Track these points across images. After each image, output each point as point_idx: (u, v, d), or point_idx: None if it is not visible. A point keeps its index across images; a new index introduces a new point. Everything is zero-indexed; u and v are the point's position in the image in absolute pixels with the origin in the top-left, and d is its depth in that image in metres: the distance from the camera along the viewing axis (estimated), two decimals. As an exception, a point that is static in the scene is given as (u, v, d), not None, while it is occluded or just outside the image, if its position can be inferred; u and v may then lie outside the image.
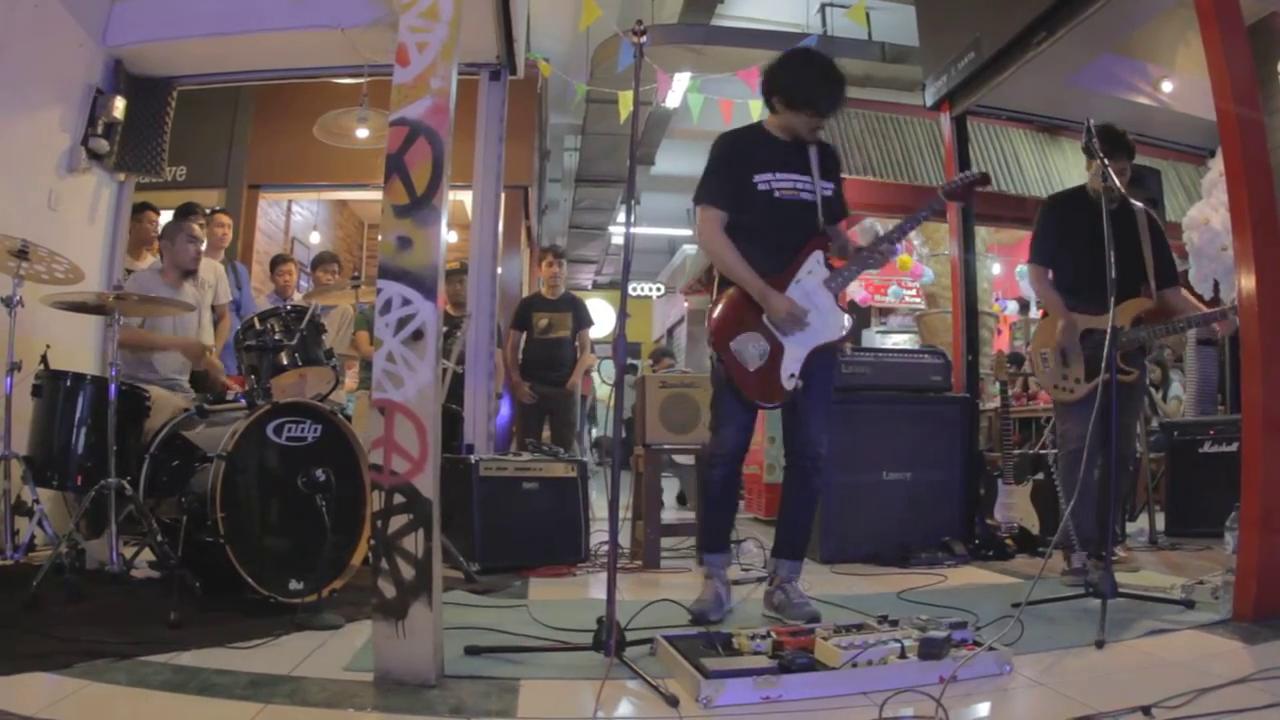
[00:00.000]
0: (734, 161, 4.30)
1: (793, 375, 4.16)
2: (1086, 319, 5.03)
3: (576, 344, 8.62)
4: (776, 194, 4.26)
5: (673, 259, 23.16)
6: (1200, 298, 6.90)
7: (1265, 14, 7.25)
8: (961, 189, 4.36)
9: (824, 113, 4.28)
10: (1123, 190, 4.49)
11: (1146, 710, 2.64)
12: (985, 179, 4.40)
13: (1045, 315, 5.45)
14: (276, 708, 2.81)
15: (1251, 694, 2.87)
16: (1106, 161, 4.47)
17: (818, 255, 4.27)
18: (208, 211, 7.94)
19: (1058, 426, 5.38)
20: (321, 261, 8.75)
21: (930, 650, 3.09)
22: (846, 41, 12.10)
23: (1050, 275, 5.28)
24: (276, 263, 8.72)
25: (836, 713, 2.81)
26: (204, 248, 6.29)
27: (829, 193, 4.39)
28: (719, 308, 4.26)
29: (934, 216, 4.34)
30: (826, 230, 4.36)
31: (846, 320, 4.30)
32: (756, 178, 4.25)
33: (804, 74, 4.26)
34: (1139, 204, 4.53)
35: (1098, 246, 4.88)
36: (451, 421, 6.53)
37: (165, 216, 7.97)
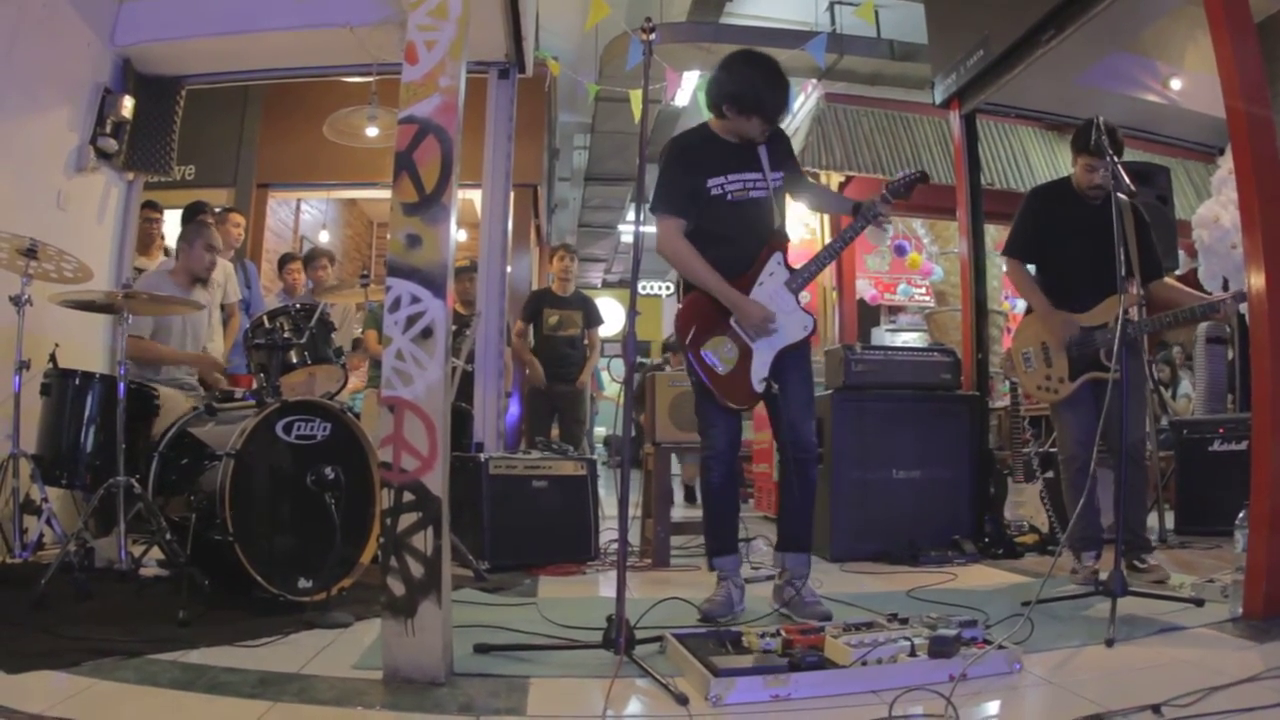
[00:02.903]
0: (685, 168, 4.31)
1: (763, 379, 4.21)
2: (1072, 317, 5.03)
3: (586, 342, 8.63)
4: (730, 197, 4.28)
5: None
6: (1208, 295, 6.87)
7: (1275, 11, 7.21)
8: (904, 186, 4.34)
9: (772, 117, 4.27)
10: (1130, 186, 4.47)
11: (1156, 709, 2.64)
12: (924, 177, 4.38)
13: (1028, 313, 5.43)
14: (285, 706, 2.81)
15: (1261, 693, 2.85)
16: (1097, 157, 4.46)
17: (777, 256, 4.31)
18: (216, 210, 7.95)
19: (1056, 433, 5.36)
20: (311, 259, 8.73)
21: (940, 648, 3.09)
22: (855, 39, 12.09)
23: (1032, 269, 5.28)
24: (284, 261, 8.75)
25: (846, 711, 2.80)
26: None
27: (779, 182, 4.39)
28: (687, 312, 4.31)
29: (879, 219, 4.35)
30: (783, 228, 4.39)
31: (809, 321, 4.32)
32: (709, 182, 4.27)
33: (750, 78, 4.21)
34: (1123, 196, 4.51)
35: (1083, 242, 4.87)
36: (461, 420, 6.53)
37: (170, 215, 8.00)
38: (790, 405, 4.27)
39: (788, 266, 4.32)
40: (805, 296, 4.39)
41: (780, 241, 4.36)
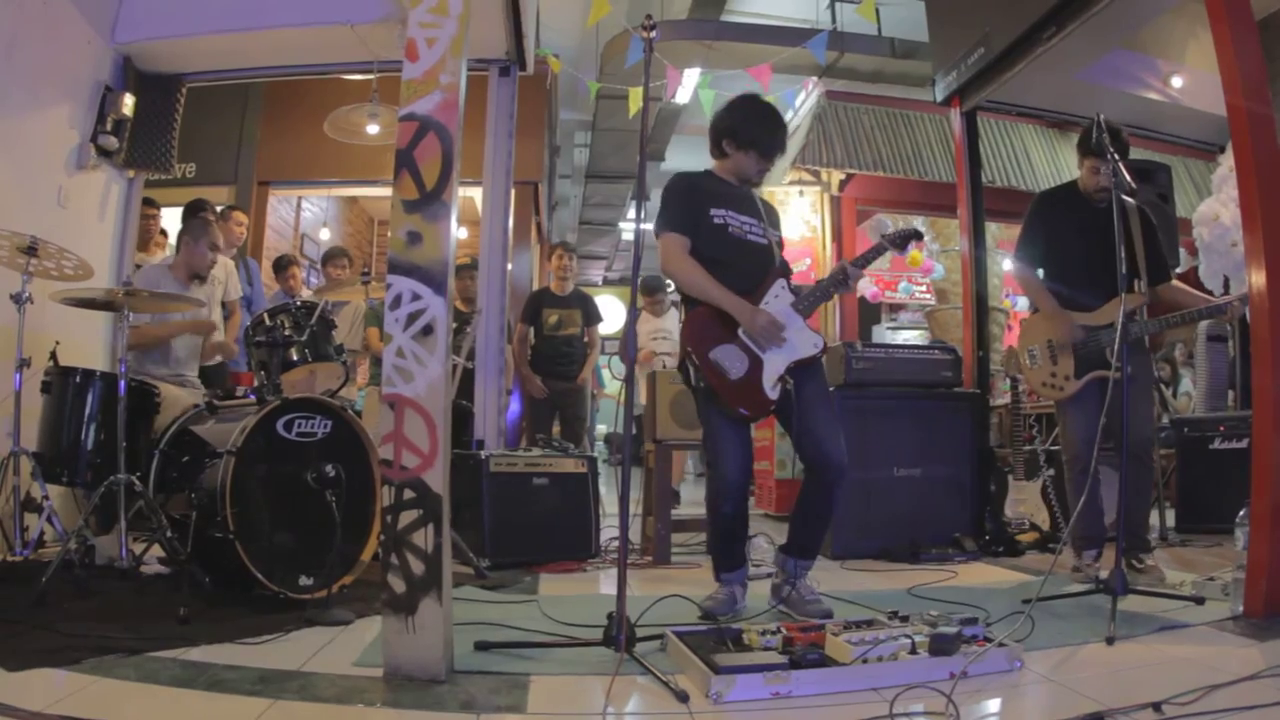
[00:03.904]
0: (690, 195, 4.35)
1: (776, 382, 4.14)
2: (1079, 317, 5.03)
3: (586, 340, 8.63)
4: (731, 229, 4.30)
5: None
6: (1211, 294, 6.87)
7: (1276, 9, 7.21)
8: (901, 240, 4.45)
9: (767, 152, 4.41)
10: (1131, 184, 4.47)
11: (1157, 706, 2.64)
12: (919, 235, 4.58)
13: (1034, 312, 5.43)
14: (286, 703, 2.81)
15: (1262, 690, 2.86)
16: (1101, 158, 4.45)
17: (781, 282, 4.30)
18: (218, 208, 7.95)
19: (1060, 431, 5.36)
20: (331, 257, 8.76)
21: (941, 646, 3.09)
22: (856, 37, 12.06)
23: (1040, 273, 5.28)
24: (284, 265, 8.72)
25: (847, 708, 2.80)
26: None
27: (777, 239, 4.47)
28: (692, 324, 4.25)
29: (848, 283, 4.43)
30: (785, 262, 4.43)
31: (818, 340, 4.30)
32: (713, 211, 4.29)
33: (749, 116, 4.42)
34: (1130, 200, 4.52)
35: (1090, 244, 4.87)
36: (462, 417, 6.53)
37: (169, 212, 8.00)
38: (812, 420, 4.19)
39: (793, 290, 4.31)
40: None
41: (784, 270, 4.36)
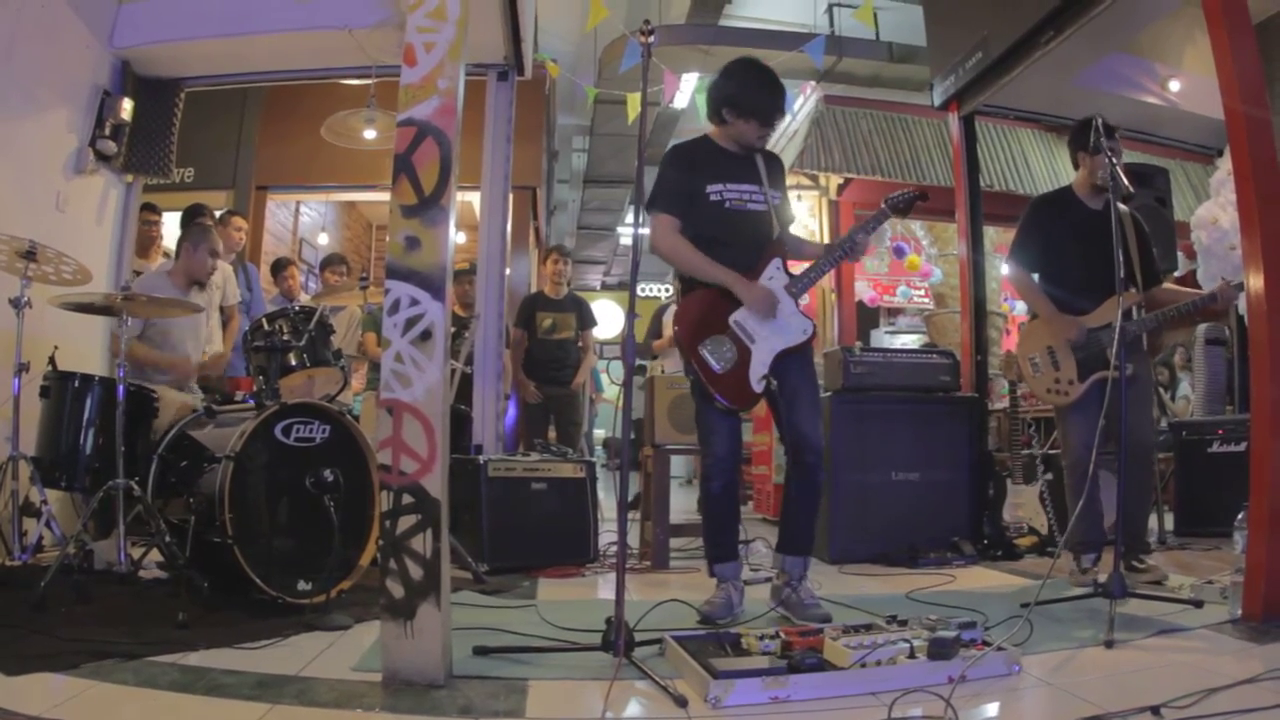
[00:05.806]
0: (685, 172, 4.36)
1: (762, 377, 4.17)
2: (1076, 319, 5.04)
3: (580, 345, 8.61)
4: (728, 204, 4.31)
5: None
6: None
7: (1273, 12, 7.21)
8: (904, 204, 4.47)
9: (767, 120, 4.36)
10: (1129, 188, 4.47)
11: (1155, 710, 2.64)
12: (923, 196, 4.53)
13: (1032, 318, 5.43)
14: (284, 708, 2.81)
15: (1261, 694, 2.85)
16: (1106, 151, 4.45)
17: (776, 261, 4.32)
18: (217, 213, 7.94)
19: (1059, 435, 5.36)
20: (330, 263, 8.76)
21: (939, 650, 3.08)
22: (854, 41, 12.10)
23: (1036, 278, 5.29)
24: (279, 267, 8.72)
25: (845, 713, 2.81)
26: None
27: (778, 201, 4.47)
28: (684, 313, 4.28)
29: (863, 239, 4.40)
30: (782, 236, 4.44)
31: (808, 325, 4.32)
32: (708, 188, 4.31)
33: (748, 82, 4.35)
34: (1124, 206, 4.54)
35: (1085, 248, 4.88)
36: (460, 422, 6.52)
37: (169, 217, 7.99)
38: (793, 406, 4.25)
39: (787, 272, 4.33)
40: (804, 300, 4.39)
41: (779, 248, 4.37)
